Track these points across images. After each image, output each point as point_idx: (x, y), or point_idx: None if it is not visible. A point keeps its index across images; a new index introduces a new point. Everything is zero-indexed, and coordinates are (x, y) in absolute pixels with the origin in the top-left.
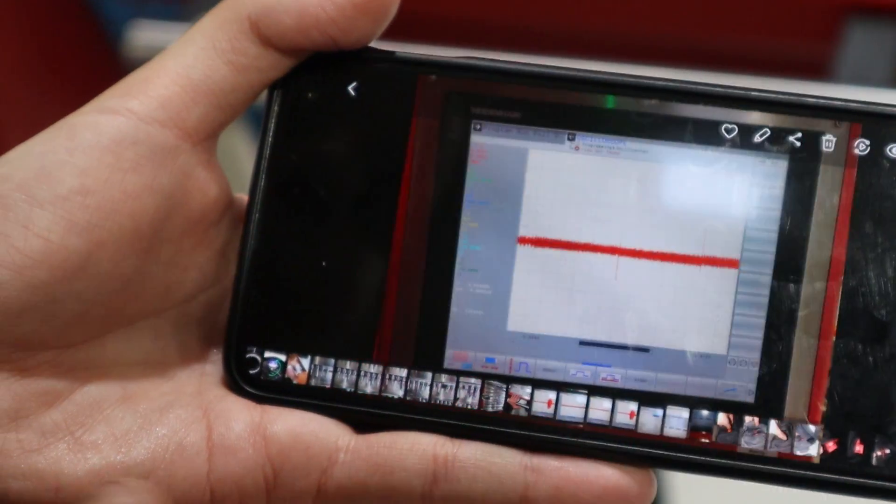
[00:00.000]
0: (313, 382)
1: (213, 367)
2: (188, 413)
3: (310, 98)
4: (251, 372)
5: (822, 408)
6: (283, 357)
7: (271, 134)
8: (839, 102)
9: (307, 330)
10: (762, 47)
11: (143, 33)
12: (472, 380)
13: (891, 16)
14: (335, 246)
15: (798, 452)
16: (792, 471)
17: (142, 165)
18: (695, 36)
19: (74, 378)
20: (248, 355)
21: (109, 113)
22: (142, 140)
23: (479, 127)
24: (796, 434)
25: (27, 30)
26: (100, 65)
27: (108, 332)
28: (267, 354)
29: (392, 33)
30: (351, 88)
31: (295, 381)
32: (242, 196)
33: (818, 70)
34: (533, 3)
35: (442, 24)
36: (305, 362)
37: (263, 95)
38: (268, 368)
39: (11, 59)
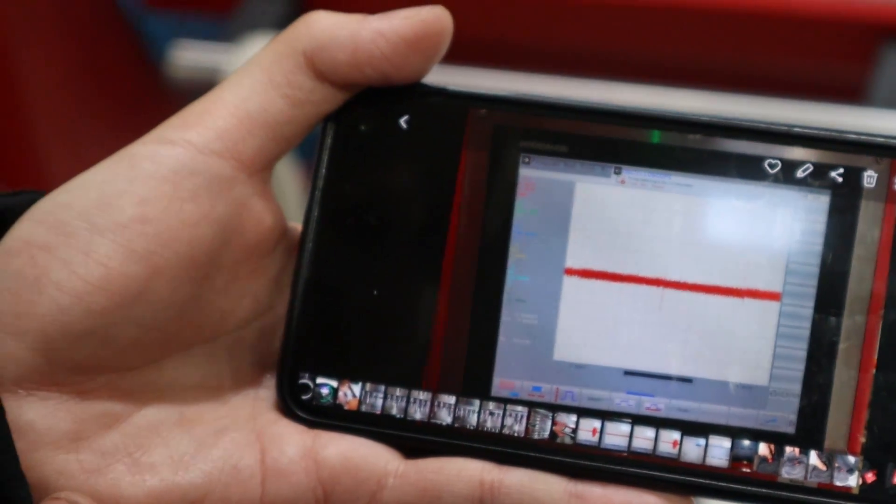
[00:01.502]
0: (364, 408)
1: (266, 392)
2: (242, 436)
3: (362, 131)
4: (303, 397)
5: (862, 439)
6: (334, 383)
7: (325, 165)
8: (881, 139)
9: (358, 357)
10: (797, 70)
11: (186, 53)
12: (519, 408)
13: None
14: (386, 275)
15: (838, 483)
16: (832, 501)
17: (199, 195)
18: (730, 58)
19: (133, 401)
20: (300, 381)
21: (168, 144)
22: (200, 170)
23: (527, 160)
24: (836, 465)
25: (71, 48)
26: (142, 83)
27: (165, 357)
28: (319, 380)
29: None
30: (402, 122)
31: (346, 407)
32: (296, 225)
33: (853, 93)
34: (568, 24)
35: (477, 46)
36: (356, 389)
37: (318, 128)
38: (320, 394)
39: (55, 76)
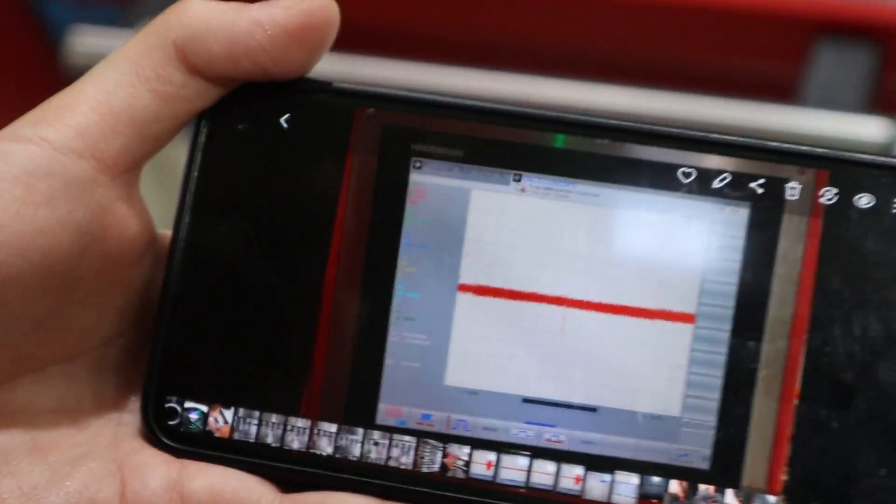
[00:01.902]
0: (236, 436)
1: (131, 417)
2: (101, 466)
3: (239, 130)
4: (170, 423)
5: (784, 477)
6: (204, 408)
7: (197, 168)
8: (805, 148)
9: (231, 380)
10: (728, 67)
11: (85, 38)
12: (407, 437)
13: (861, 37)
14: (263, 289)
15: None
16: None
17: (55, 199)
18: (659, 54)
19: None
20: (167, 405)
21: (22, 141)
22: (56, 172)
23: (418, 165)
24: None
25: None
26: (38, 69)
27: (17, 377)
28: (187, 405)
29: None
30: (283, 120)
31: (216, 434)
32: (166, 233)
33: (786, 92)
34: (492, 15)
35: (374, 33)
36: (228, 414)
37: (191, 126)
38: (188, 420)
39: None
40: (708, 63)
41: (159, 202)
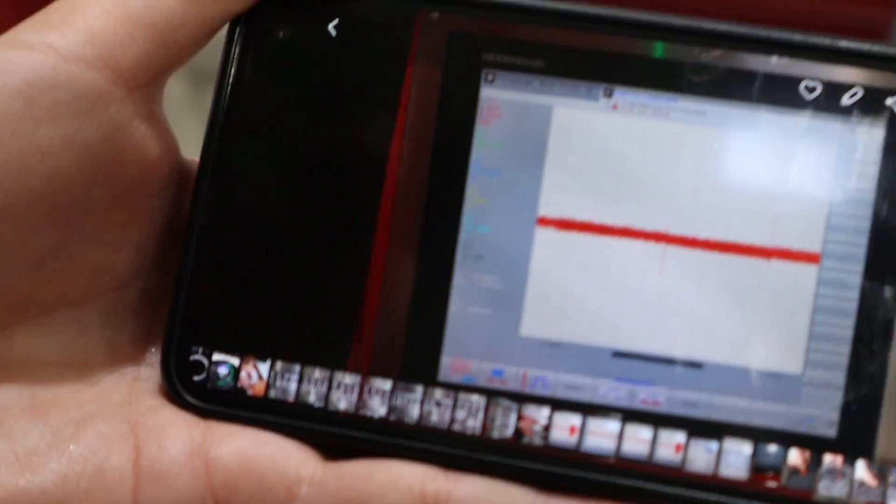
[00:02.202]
0: (273, 394)
1: (149, 371)
2: (112, 428)
3: (280, 38)
4: (195, 378)
5: None
6: (235, 361)
7: (230, 82)
8: None
9: (267, 328)
10: (817, 13)
11: None
12: (475, 397)
13: None
14: (306, 223)
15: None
16: None
17: (61, 114)
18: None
19: None
20: (192, 357)
21: (23, 48)
22: (62, 83)
23: (491, 78)
24: (891, 480)
25: None
26: None
27: (15, 324)
28: (216, 357)
29: None
30: (332, 27)
31: (250, 392)
32: (195, 159)
33: (877, 37)
34: None
35: None
36: (264, 369)
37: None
38: (216, 375)
39: None
40: (799, 11)
41: (197, 124)
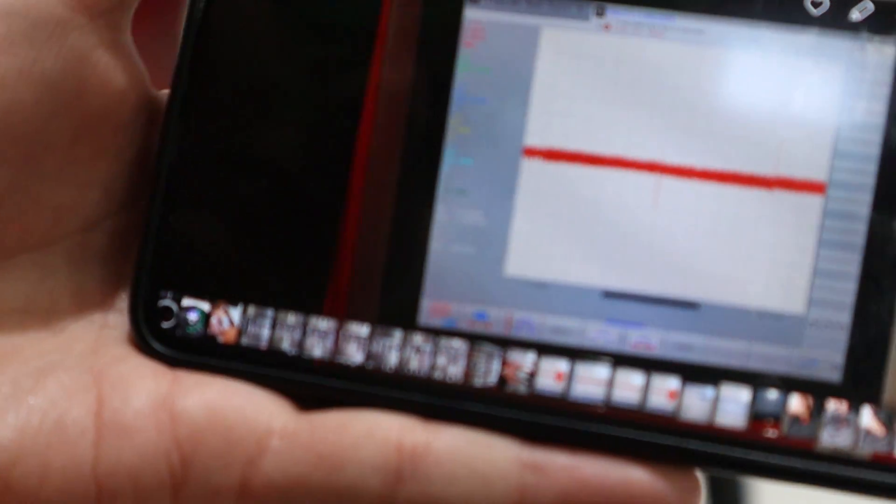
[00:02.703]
0: (245, 341)
1: (118, 318)
2: (74, 379)
3: None
4: (164, 325)
5: None
6: (206, 306)
7: (200, 12)
8: None
9: (239, 271)
10: None
11: None
12: (457, 341)
13: None
14: (278, 158)
15: None
16: (891, 479)
17: (16, 44)
18: None
19: None
20: (160, 302)
21: None
22: (17, 10)
23: None
24: None
25: None
26: None
27: None
28: (185, 302)
29: None
30: None
31: (220, 339)
32: (166, 92)
33: None
34: None
35: None
36: (235, 314)
37: None
38: (185, 320)
39: None
40: None
41: None
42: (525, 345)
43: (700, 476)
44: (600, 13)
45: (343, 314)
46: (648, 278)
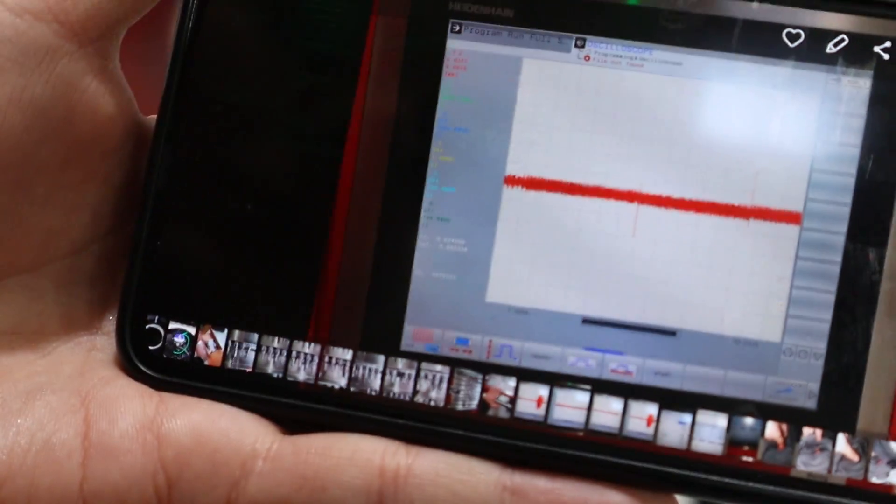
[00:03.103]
0: (230, 364)
1: (105, 341)
2: (61, 400)
3: None
4: (151, 348)
5: None
6: (192, 330)
7: (188, 34)
8: None
9: (225, 296)
10: None
11: None
12: (438, 367)
13: None
14: (265, 185)
15: (874, 479)
16: None
17: (7, 70)
18: None
19: None
20: (147, 326)
21: None
22: (8, 37)
23: (458, 28)
24: (873, 454)
25: None
26: None
27: None
28: (172, 326)
29: None
30: None
31: (206, 362)
32: (153, 118)
33: None
34: None
35: None
36: (221, 338)
37: None
38: (172, 344)
39: None
40: None
41: None
42: (506, 370)
43: (678, 501)
44: (580, 45)
45: (327, 339)
46: (627, 306)
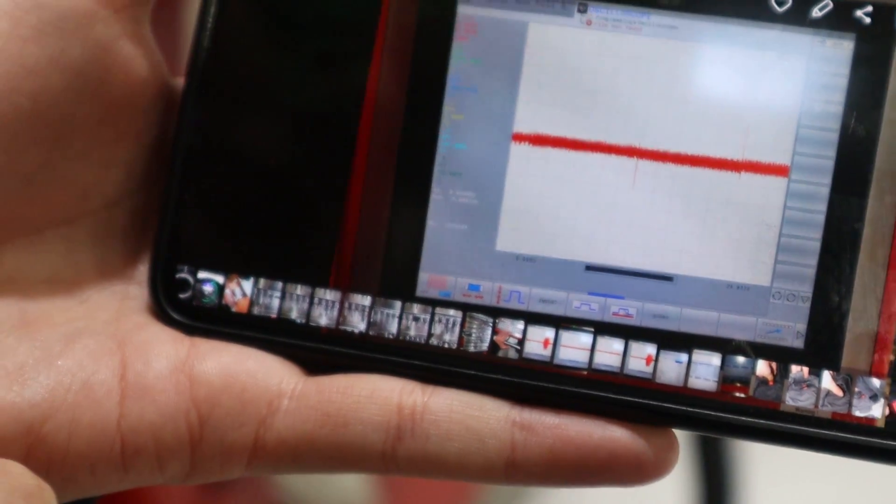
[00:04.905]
0: (256, 311)
1: (138, 290)
2: (99, 344)
3: None
4: (181, 296)
5: (891, 357)
6: (220, 279)
7: (212, 5)
8: None
9: (251, 246)
10: None
11: None
12: (451, 311)
13: None
14: (287, 141)
15: (857, 413)
16: (849, 436)
17: (47, 34)
18: None
19: None
20: (178, 275)
21: None
22: (48, 3)
23: None
24: (856, 390)
25: None
26: None
27: (7, 242)
28: (201, 275)
29: None
30: None
31: (234, 309)
32: (181, 80)
33: None
34: None
35: None
36: (247, 286)
37: None
38: (201, 292)
39: None
40: None
41: None
42: (514, 314)
43: (676, 435)
44: (583, 10)
45: (347, 286)
46: (627, 253)
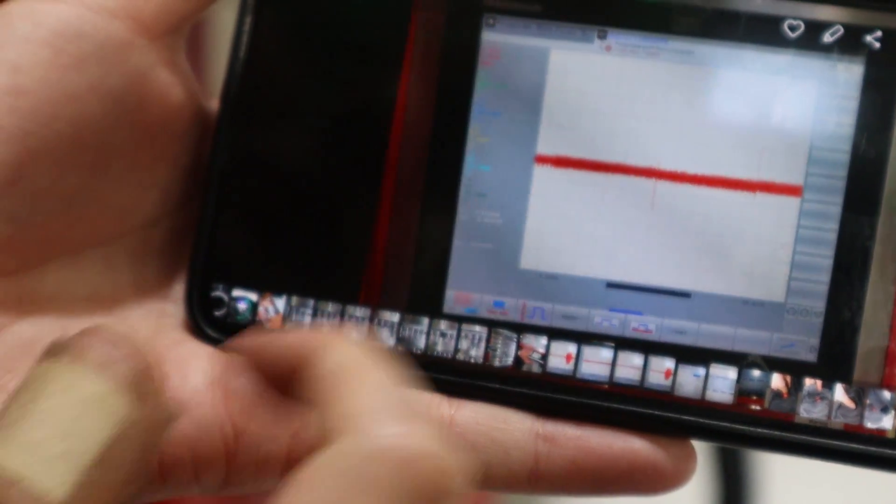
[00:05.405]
0: (288, 327)
1: (174, 307)
2: None
3: None
4: (216, 313)
5: None
6: (254, 296)
7: (248, 31)
8: None
9: (283, 265)
10: None
11: None
12: (477, 327)
13: None
14: (319, 165)
15: (869, 424)
16: (861, 447)
17: (86, 63)
18: None
19: (4, 313)
20: (213, 293)
21: (50, 0)
22: (87, 33)
23: (491, 22)
24: (867, 402)
25: None
26: None
27: (49, 261)
28: (236, 293)
29: None
30: None
31: (267, 326)
32: (216, 103)
33: None
34: None
35: None
36: (280, 303)
37: None
38: (236, 309)
39: None
40: None
41: None
42: (538, 330)
43: (694, 445)
44: (602, 36)
45: (376, 303)
46: (646, 271)
